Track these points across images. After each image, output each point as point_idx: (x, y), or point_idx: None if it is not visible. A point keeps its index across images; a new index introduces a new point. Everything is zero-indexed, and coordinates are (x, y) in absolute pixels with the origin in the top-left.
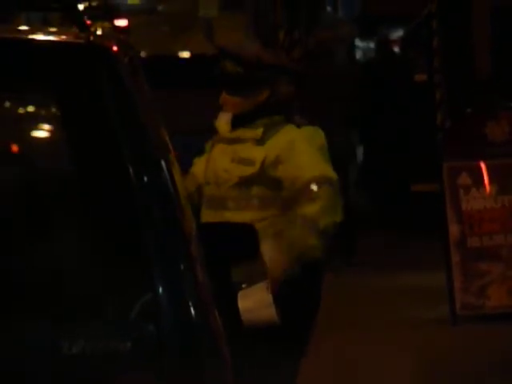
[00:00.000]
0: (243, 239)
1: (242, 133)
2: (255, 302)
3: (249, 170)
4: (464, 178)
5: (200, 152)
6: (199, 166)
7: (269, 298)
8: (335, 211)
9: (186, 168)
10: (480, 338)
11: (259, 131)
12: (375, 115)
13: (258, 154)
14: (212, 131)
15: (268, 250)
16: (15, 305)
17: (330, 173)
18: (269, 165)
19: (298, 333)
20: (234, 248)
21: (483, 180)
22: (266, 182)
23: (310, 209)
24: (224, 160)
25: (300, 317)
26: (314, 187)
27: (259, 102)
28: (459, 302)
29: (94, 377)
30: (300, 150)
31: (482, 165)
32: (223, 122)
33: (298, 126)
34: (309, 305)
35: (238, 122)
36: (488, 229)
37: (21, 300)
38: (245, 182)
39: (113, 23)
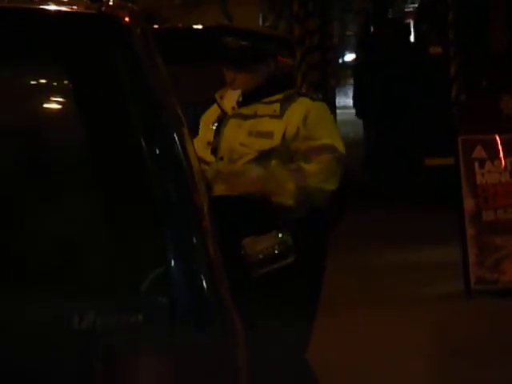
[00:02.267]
0: (259, 213)
1: (258, 109)
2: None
3: (268, 144)
4: (479, 152)
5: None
6: (205, 135)
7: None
8: (329, 180)
9: None
10: (494, 312)
11: (276, 106)
12: (387, 89)
13: (276, 126)
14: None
15: (251, 170)
16: (27, 279)
17: (339, 144)
18: (290, 138)
19: (305, 302)
20: (250, 222)
21: (498, 153)
22: (284, 155)
23: (307, 166)
24: (240, 134)
25: (306, 282)
26: (321, 153)
27: (268, 75)
28: (474, 277)
29: (106, 351)
30: (316, 121)
31: (497, 138)
32: (231, 100)
33: (313, 99)
34: (313, 272)
35: (249, 98)
36: (503, 202)
37: (33, 274)
38: (263, 156)
39: None
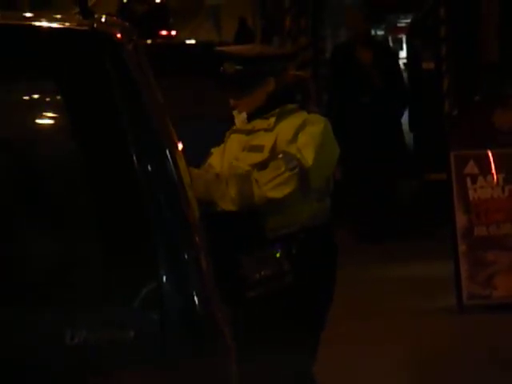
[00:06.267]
0: (249, 228)
1: (256, 123)
2: None
3: (258, 157)
4: (471, 167)
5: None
6: (216, 156)
7: None
8: (276, 188)
9: (194, 155)
10: (487, 327)
11: (271, 120)
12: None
13: (267, 140)
14: (221, 119)
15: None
16: (19, 295)
17: (308, 158)
18: (280, 150)
19: (313, 319)
20: (240, 236)
21: (490, 169)
22: None
23: (257, 174)
24: (237, 149)
25: (314, 301)
26: (280, 159)
27: (269, 93)
28: (466, 292)
29: (97, 365)
30: (304, 134)
31: (490, 153)
32: (239, 119)
33: (308, 112)
34: (322, 289)
35: (254, 114)
36: (495, 218)
37: (24, 290)
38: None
39: None
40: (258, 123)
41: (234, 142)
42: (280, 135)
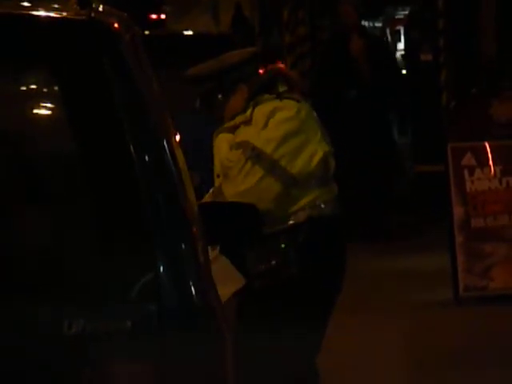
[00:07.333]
0: (245, 219)
1: (238, 118)
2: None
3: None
4: (468, 159)
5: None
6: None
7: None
8: (242, 181)
9: (192, 149)
10: (483, 319)
11: (248, 112)
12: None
13: (248, 133)
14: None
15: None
16: (18, 285)
17: (267, 143)
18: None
19: (318, 311)
20: (237, 228)
21: (488, 161)
22: None
23: (224, 185)
24: (226, 149)
25: (320, 295)
26: (237, 149)
27: (246, 98)
28: (463, 284)
29: (95, 356)
30: (273, 122)
31: (487, 145)
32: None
33: (281, 100)
34: (330, 281)
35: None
36: (492, 210)
37: (23, 281)
38: None
39: None
40: (239, 118)
41: (222, 141)
42: (256, 125)
